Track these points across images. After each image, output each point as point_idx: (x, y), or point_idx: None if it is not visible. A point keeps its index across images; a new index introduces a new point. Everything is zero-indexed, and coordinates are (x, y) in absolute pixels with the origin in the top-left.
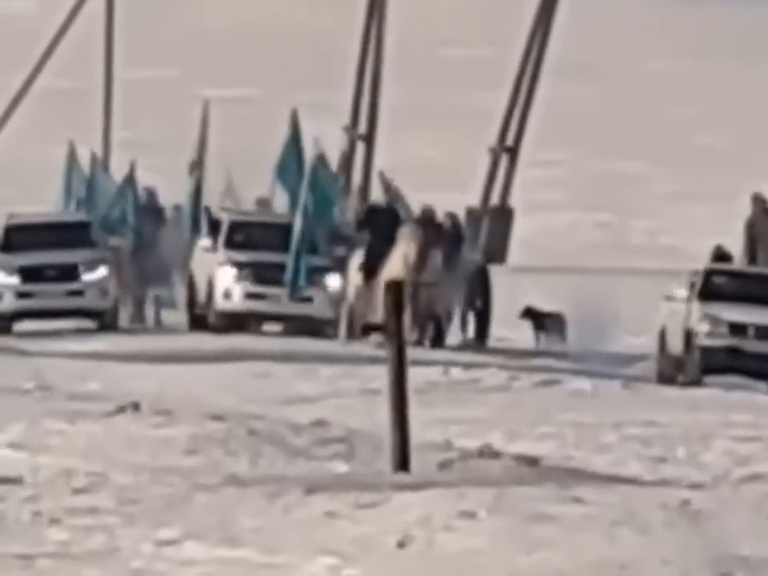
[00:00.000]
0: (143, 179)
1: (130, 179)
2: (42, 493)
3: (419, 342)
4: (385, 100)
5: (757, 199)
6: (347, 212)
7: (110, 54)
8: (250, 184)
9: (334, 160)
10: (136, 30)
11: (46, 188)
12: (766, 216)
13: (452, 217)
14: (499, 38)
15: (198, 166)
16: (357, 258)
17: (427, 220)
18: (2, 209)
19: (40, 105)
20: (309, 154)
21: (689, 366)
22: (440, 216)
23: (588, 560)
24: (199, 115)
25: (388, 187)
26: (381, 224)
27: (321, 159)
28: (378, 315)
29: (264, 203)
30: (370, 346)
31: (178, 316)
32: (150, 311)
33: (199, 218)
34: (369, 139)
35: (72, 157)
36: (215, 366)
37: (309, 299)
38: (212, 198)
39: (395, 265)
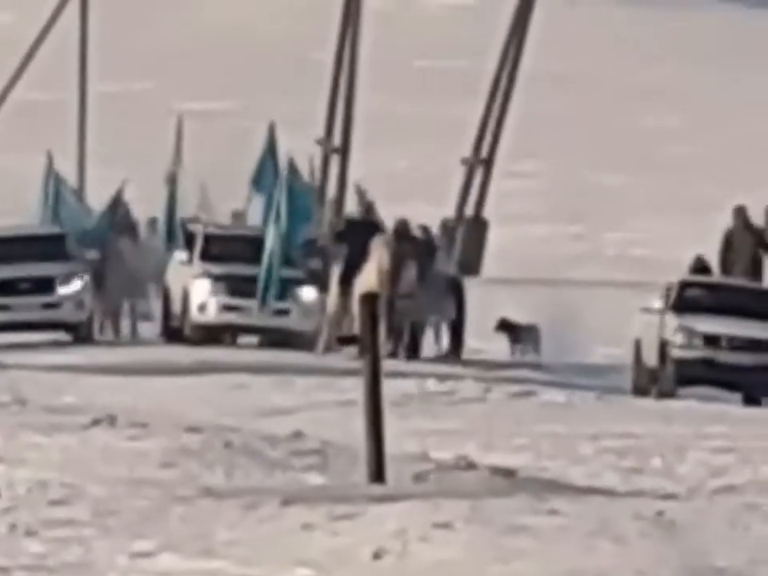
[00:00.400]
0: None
1: (118, 198)
2: (18, 505)
3: (394, 354)
4: (359, 111)
5: (739, 211)
6: (322, 224)
7: (83, 66)
8: (225, 197)
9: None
10: (111, 42)
11: (23, 200)
12: (745, 229)
13: (424, 229)
14: (474, 48)
15: (172, 179)
16: (337, 271)
17: (402, 232)
18: None
19: (16, 116)
20: (283, 167)
21: (663, 377)
22: (414, 228)
23: (563, 570)
24: (172, 126)
25: (362, 199)
26: (357, 236)
27: (293, 171)
28: (355, 327)
29: (239, 216)
30: (346, 357)
31: (153, 328)
32: (125, 324)
33: (174, 230)
34: (343, 151)
35: (50, 169)
36: (191, 379)
37: (284, 311)
38: (187, 211)
39: (369, 277)
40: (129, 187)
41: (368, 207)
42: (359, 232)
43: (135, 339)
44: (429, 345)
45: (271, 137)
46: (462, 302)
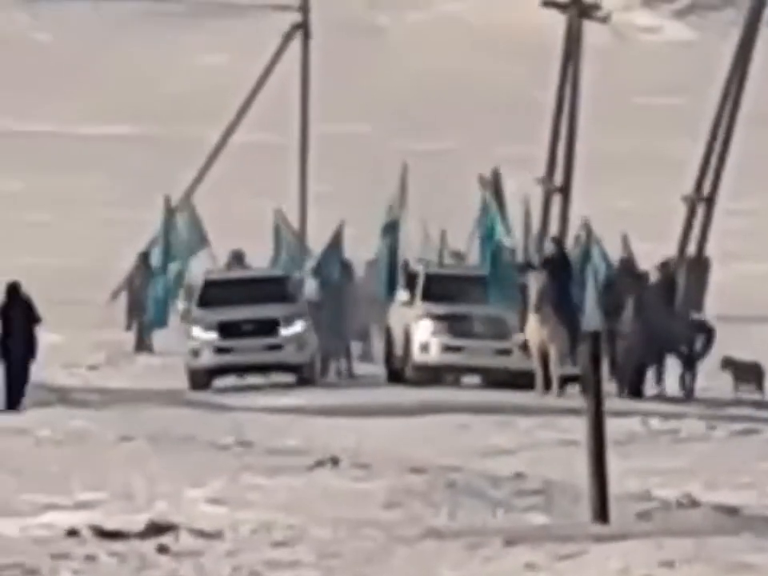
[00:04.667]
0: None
1: (337, 239)
2: (242, 547)
3: (618, 393)
4: (579, 149)
5: None
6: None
7: (305, 108)
8: (447, 237)
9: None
10: (328, 85)
11: (245, 242)
12: None
13: (664, 265)
14: (694, 85)
15: (394, 225)
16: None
17: (626, 269)
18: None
19: (237, 158)
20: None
21: None
22: (645, 266)
23: None
24: (391, 168)
25: (589, 235)
26: (554, 271)
27: (493, 187)
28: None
29: (458, 256)
30: (568, 396)
31: (374, 369)
32: (342, 364)
33: (396, 274)
34: (565, 190)
35: (279, 214)
36: (413, 419)
37: (507, 351)
38: (409, 252)
39: (532, 315)
40: (349, 228)
41: (593, 244)
42: (556, 267)
43: (357, 380)
44: (652, 383)
45: (496, 181)
46: (696, 340)
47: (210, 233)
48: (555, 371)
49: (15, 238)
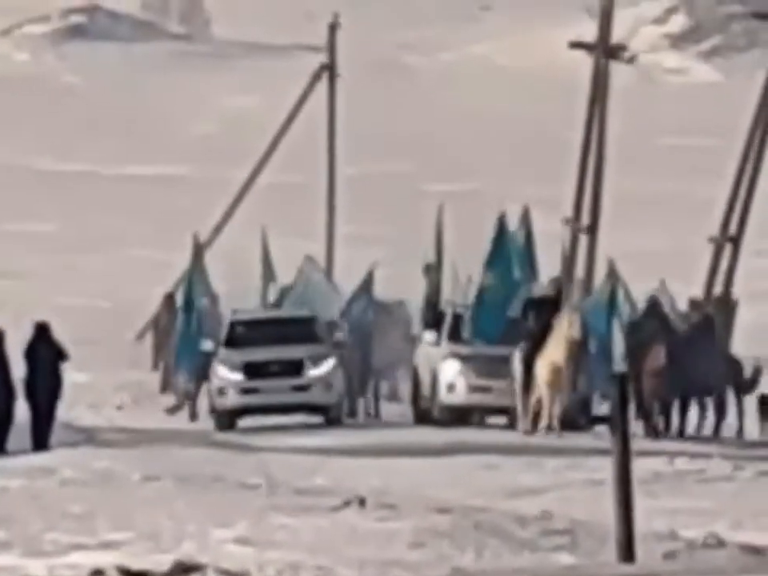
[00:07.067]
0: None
1: (368, 281)
2: None
3: (645, 433)
4: (606, 190)
5: None
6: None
7: (332, 148)
8: (474, 277)
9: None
10: (357, 125)
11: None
12: None
13: (696, 305)
14: (720, 125)
15: (431, 267)
16: (518, 350)
17: (652, 311)
18: (226, 303)
19: (265, 199)
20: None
21: None
22: (674, 307)
23: None
24: (420, 208)
25: (613, 276)
26: (543, 314)
27: (501, 229)
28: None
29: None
30: (594, 437)
31: (401, 409)
32: (370, 405)
33: (432, 317)
34: (592, 230)
35: (309, 259)
36: (440, 460)
37: None
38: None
39: (555, 349)
40: (379, 269)
41: (619, 284)
42: (545, 310)
43: (383, 421)
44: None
45: (526, 220)
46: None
47: (239, 272)
48: (555, 411)
49: (45, 277)
